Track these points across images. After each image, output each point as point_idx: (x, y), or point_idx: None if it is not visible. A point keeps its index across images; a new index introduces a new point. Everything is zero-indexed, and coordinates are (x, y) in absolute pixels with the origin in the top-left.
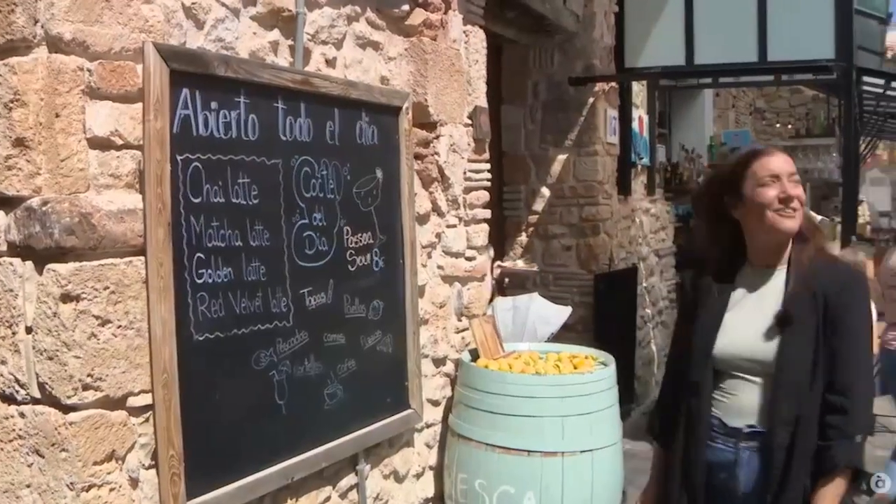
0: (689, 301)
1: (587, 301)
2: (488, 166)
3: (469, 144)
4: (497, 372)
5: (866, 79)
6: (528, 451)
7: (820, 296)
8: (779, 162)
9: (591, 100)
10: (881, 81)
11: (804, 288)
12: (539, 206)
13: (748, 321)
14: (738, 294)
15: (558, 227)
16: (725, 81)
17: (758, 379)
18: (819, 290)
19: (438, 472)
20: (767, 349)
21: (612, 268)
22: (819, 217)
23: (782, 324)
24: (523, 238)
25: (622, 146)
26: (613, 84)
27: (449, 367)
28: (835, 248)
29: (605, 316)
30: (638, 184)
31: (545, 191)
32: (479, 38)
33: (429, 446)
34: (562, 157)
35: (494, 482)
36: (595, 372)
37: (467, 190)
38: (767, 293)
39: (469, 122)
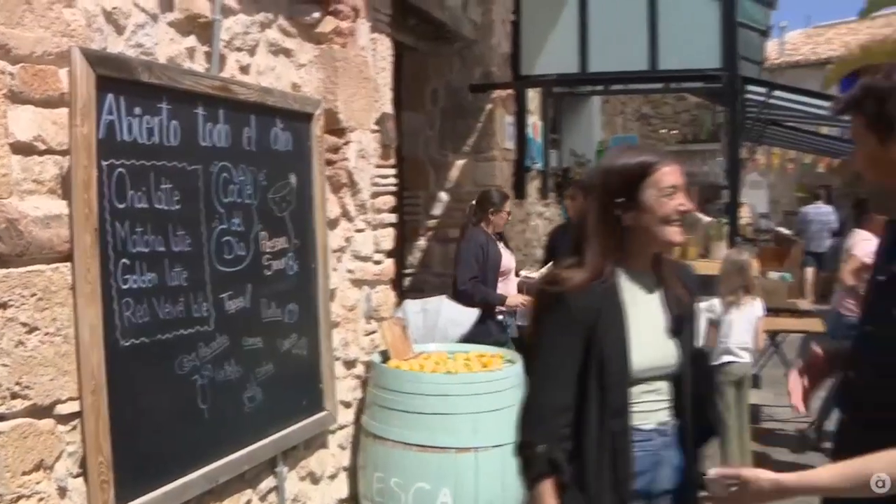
0: (580, 322)
1: None
2: (395, 171)
3: (376, 150)
4: (411, 372)
5: (749, 87)
6: (443, 448)
7: (686, 292)
8: (679, 173)
9: (488, 106)
10: (763, 90)
11: (678, 286)
12: (438, 210)
13: (649, 329)
14: (630, 302)
15: (457, 231)
16: (618, 88)
17: (662, 383)
18: (685, 287)
19: (352, 472)
20: (670, 353)
21: None
22: (707, 219)
23: (678, 325)
24: (422, 243)
25: (518, 151)
26: (510, 91)
27: (359, 369)
28: (722, 249)
29: None
30: (532, 188)
31: (444, 196)
32: (385, 45)
33: (342, 447)
34: (460, 163)
35: (410, 480)
36: (504, 369)
37: (375, 195)
38: (652, 297)
39: (376, 128)
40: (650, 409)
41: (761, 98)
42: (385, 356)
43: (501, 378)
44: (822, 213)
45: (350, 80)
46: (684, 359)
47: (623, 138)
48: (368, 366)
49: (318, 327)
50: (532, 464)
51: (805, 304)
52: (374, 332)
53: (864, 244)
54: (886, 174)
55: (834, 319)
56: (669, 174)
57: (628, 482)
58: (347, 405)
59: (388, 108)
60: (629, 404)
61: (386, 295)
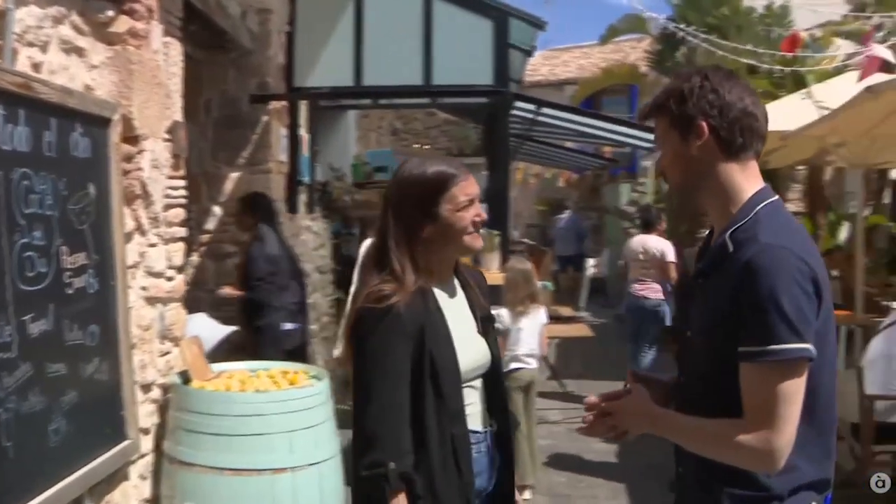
0: (409, 334)
1: None
2: (185, 183)
3: (168, 160)
4: (221, 393)
5: (518, 104)
6: (259, 470)
7: (483, 295)
8: (473, 184)
9: (264, 118)
10: (531, 107)
11: (477, 290)
12: (211, 224)
13: (464, 331)
14: (444, 308)
15: (230, 245)
16: (391, 103)
17: (478, 382)
18: (481, 290)
19: None
20: (485, 352)
21: None
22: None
23: (485, 325)
24: (195, 258)
25: (291, 165)
26: (285, 102)
27: (156, 393)
28: (494, 260)
29: None
30: (300, 202)
31: (217, 210)
32: (177, 50)
33: (143, 478)
34: (234, 176)
35: None
36: (315, 385)
37: (166, 207)
38: (459, 300)
39: (168, 137)
40: (478, 409)
41: (525, 115)
42: (185, 377)
43: (314, 394)
44: (572, 221)
45: (144, 84)
46: (495, 357)
47: (378, 153)
48: (166, 389)
49: (118, 349)
50: (385, 482)
51: (567, 310)
52: (168, 353)
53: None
54: (688, 171)
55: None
56: (465, 187)
57: (472, 484)
58: (146, 432)
59: (179, 116)
60: (464, 406)
61: (178, 313)
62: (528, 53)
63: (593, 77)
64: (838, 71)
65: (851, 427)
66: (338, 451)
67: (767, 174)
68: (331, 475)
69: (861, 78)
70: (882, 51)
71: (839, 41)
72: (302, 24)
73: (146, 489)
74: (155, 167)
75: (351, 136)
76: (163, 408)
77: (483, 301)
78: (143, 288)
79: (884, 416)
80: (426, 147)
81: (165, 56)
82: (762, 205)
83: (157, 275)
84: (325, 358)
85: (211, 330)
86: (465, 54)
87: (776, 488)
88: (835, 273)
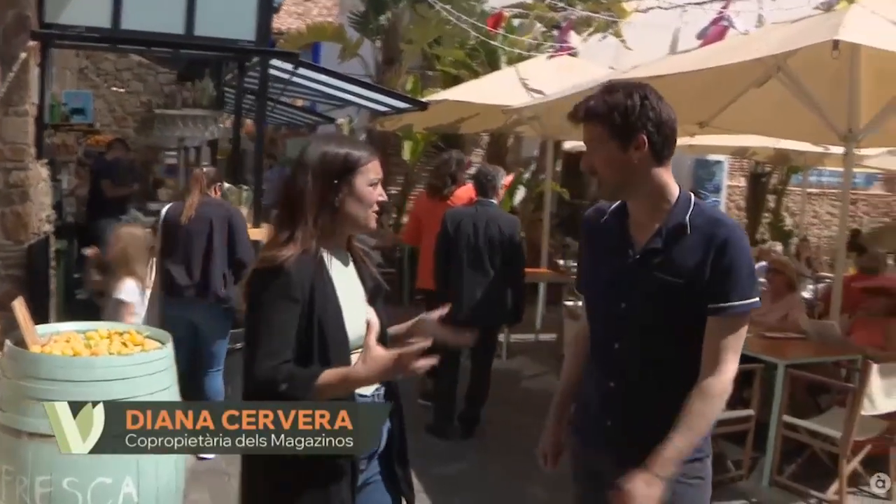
0: (298, 295)
1: (16, 274)
2: None
3: None
4: (80, 358)
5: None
6: None
7: (373, 266)
8: (380, 167)
9: (23, 55)
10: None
11: (368, 261)
12: None
13: (353, 300)
14: (335, 276)
15: None
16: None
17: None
18: (371, 261)
19: None
20: (372, 318)
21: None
22: (227, 185)
23: (373, 295)
24: None
25: (40, 107)
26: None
27: None
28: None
29: None
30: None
31: None
32: None
33: None
34: None
35: (87, 476)
36: (168, 344)
37: None
38: (350, 270)
39: None
40: None
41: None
42: (17, 342)
43: (167, 356)
44: (275, 173)
45: None
46: (383, 325)
47: (75, 94)
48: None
49: None
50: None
51: None
52: None
53: None
54: (625, 174)
55: None
56: (376, 166)
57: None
58: None
59: None
60: None
61: None
62: (275, 10)
63: (300, 32)
64: (530, 50)
65: None
66: None
67: (456, 139)
68: None
69: (703, 45)
70: (731, 19)
71: (536, 24)
72: None
73: None
74: None
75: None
76: None
77: (373, 271)
78: None
79: None
80: (121, 90)
81: None
82: (693, 198)
83: None
84: None
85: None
86: (228, 9)
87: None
88: (522, 234)
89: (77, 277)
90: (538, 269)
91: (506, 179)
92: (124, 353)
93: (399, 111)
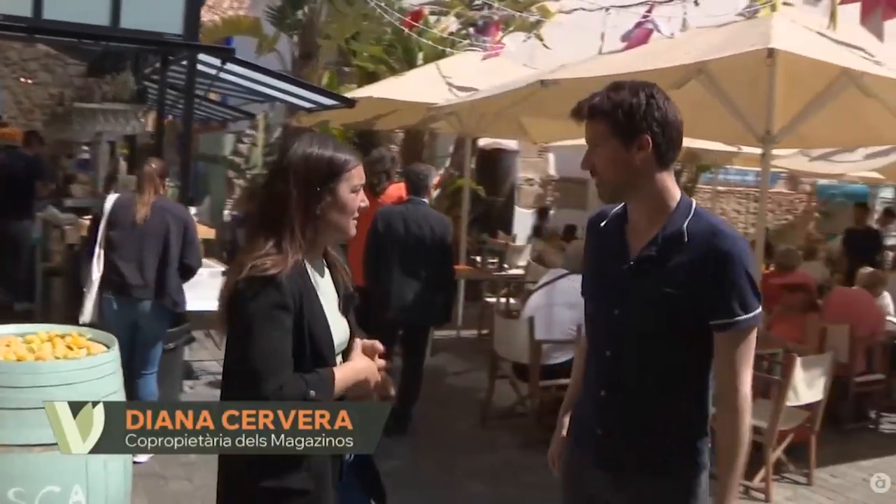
0: (289, 307)
1: None
2: None
3: None
4: (24, 363)
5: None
6: None
7: (347, 274)
8: (362, 173)
9: None
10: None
11: (342, 270)
12: None
13: (332, 308)
14: (316, 286)
15: None
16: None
17: (339, 357)
18: (344, 270)
19: None
20: (346, 329)
21: None
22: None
23: (346, 304)
24: None
25: None
26: None
27: None
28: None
29: None
30: None
31: None
32: None
33: None
34: None
35: (35, 485)
36: (113, 348)
37: None
38: (326, 280)
39: None
40: None
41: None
42: None
43: (116, 358)
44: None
45: None
46: (353, 334)
47: None
48: None
49: None
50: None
51: None
52: None
53: None
54: (627, 175)
55: None
56: (359, 172)
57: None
58: None
59: None
60: None
61: None
62: (203, 2)
63: (216, 26)
64: (446, 47)
65: (513, 367)
66: None
67: (370, 135)
68: None
69: (627, 47)
70: (656, 23)
71: (451, 20)
72: None
73: None
74: None
75: None
76: None
77: (346, 279)
78: None
79: (545, 358)
80: (29, 81)
81: None
82: (693, 204)
83: None
84: None
85: None
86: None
87: None
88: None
89: None
90: (457, 266)
91: (435, 178)
92: (70, 358)
93: (325, 108)
